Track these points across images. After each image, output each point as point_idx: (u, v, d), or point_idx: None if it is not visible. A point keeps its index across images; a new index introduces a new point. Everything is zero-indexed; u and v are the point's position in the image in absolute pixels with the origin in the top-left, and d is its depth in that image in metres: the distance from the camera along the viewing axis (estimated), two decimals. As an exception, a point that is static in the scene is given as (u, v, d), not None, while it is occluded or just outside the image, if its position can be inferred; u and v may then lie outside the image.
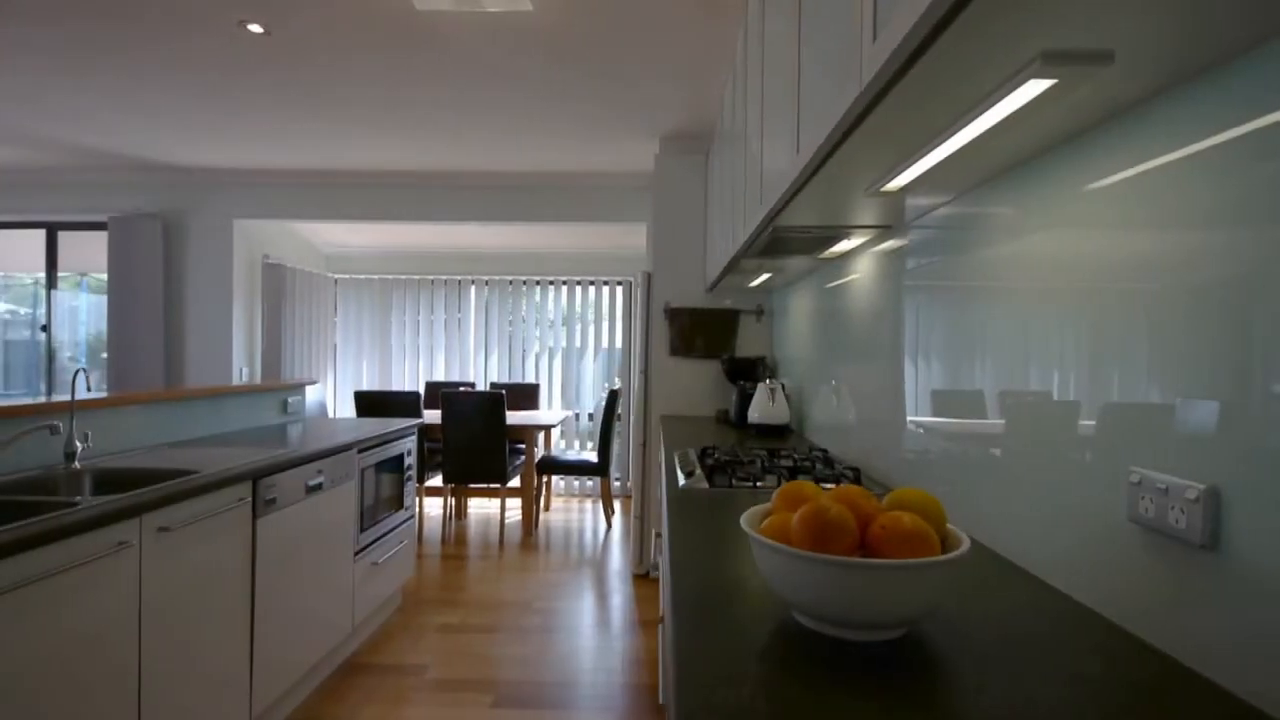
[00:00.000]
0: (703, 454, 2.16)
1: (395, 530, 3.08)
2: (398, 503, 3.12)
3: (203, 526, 1.75)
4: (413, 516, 3.31)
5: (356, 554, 2.67)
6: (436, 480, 4.74)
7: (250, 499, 1.96)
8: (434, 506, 5.25)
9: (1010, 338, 1.15)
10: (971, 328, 1.29)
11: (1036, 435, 1.07)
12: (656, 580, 3.66)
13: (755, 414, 2.79)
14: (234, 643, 1.90)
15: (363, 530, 2.74)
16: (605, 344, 5.86)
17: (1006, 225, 1.15)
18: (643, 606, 3.30)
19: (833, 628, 0.83)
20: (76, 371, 1.93)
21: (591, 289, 5.83)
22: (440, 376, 5.90)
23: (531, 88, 3.07)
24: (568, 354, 5.87)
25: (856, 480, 1.73)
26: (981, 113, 0.86)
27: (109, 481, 1.90)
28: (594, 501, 5.58)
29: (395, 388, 5.84)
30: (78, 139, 3.90)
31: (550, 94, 3.14)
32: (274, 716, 2.17)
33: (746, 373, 3.48)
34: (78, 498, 1.80)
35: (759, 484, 1.73)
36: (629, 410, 5.54)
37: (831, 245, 1.98)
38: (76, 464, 1.91)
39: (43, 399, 2.26)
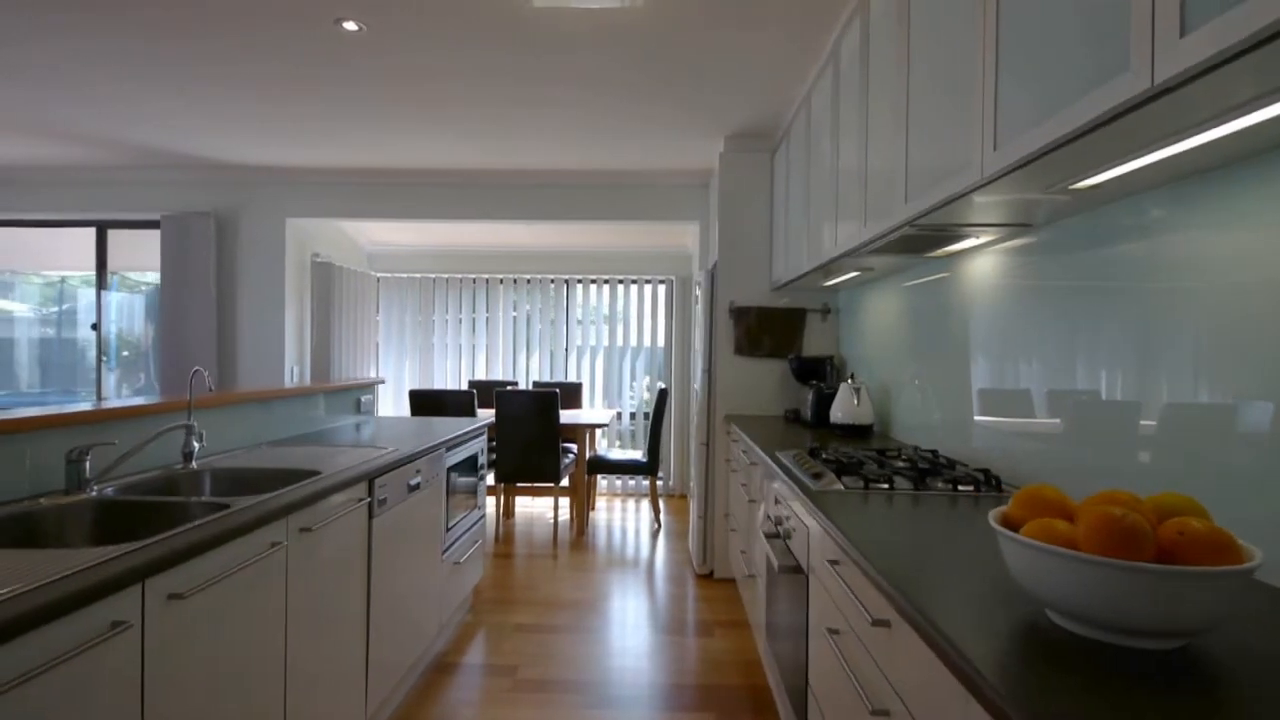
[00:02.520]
0: (812, 454, 2.14)
1: (471, 530, 3.07)
2: (472, 502, 3.12)
3: (332, 527, 1.75)
4: (484, 516, 3.30)
5: (443, 553, 2.67)
6: (488, 479, 4.74)
7: (368, 499, 1.95)
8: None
9: (1213, 338, 1.13)
10: (1153, 329, 1.27)
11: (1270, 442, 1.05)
12: (724, 581, 3.65)
13: (839, 414, 2.77)
14: (353, 641, 1.89)
15: (446, 529, 2.73)
16: (647, 343, 5.85)
17: (1191, 223, 1.13)
18: (713, 606, 3.29)
19: (1109, 634, 0.82)
20: (194, 371, 1.92)
21: (634, 287, 5.82)
22: (481, 375, 5.90)
23: (608, 86, 3.05)
24: (610, 353, 5.86)
25: (990, 481, 1.71)
26: (1251, 112, 0.84)
27: (231, 481, 1.89)
28: (636, 501, 5.57)
29: (438, 386, 5.84)
30: (135, 136, 3.90)
31: (625, 93, 3.12)
32: (381, 716, 2.16)
33: (815, 372, 3.46)
34: (218, 498, 1.79)
35: (893, 485, 1.72)
36: (673, 409, 5.55)
37: (950, 243, 1.96)
38: (194, 464, 1.90)
39: (90, 400, 2.25)
